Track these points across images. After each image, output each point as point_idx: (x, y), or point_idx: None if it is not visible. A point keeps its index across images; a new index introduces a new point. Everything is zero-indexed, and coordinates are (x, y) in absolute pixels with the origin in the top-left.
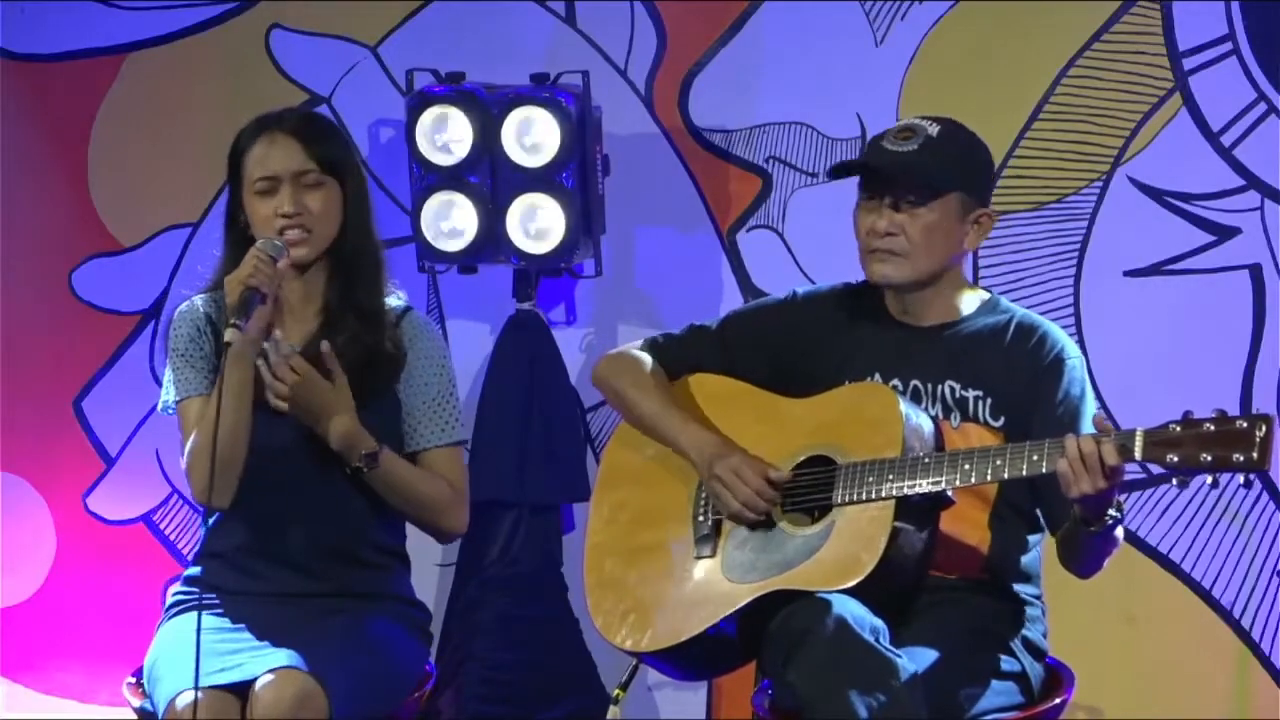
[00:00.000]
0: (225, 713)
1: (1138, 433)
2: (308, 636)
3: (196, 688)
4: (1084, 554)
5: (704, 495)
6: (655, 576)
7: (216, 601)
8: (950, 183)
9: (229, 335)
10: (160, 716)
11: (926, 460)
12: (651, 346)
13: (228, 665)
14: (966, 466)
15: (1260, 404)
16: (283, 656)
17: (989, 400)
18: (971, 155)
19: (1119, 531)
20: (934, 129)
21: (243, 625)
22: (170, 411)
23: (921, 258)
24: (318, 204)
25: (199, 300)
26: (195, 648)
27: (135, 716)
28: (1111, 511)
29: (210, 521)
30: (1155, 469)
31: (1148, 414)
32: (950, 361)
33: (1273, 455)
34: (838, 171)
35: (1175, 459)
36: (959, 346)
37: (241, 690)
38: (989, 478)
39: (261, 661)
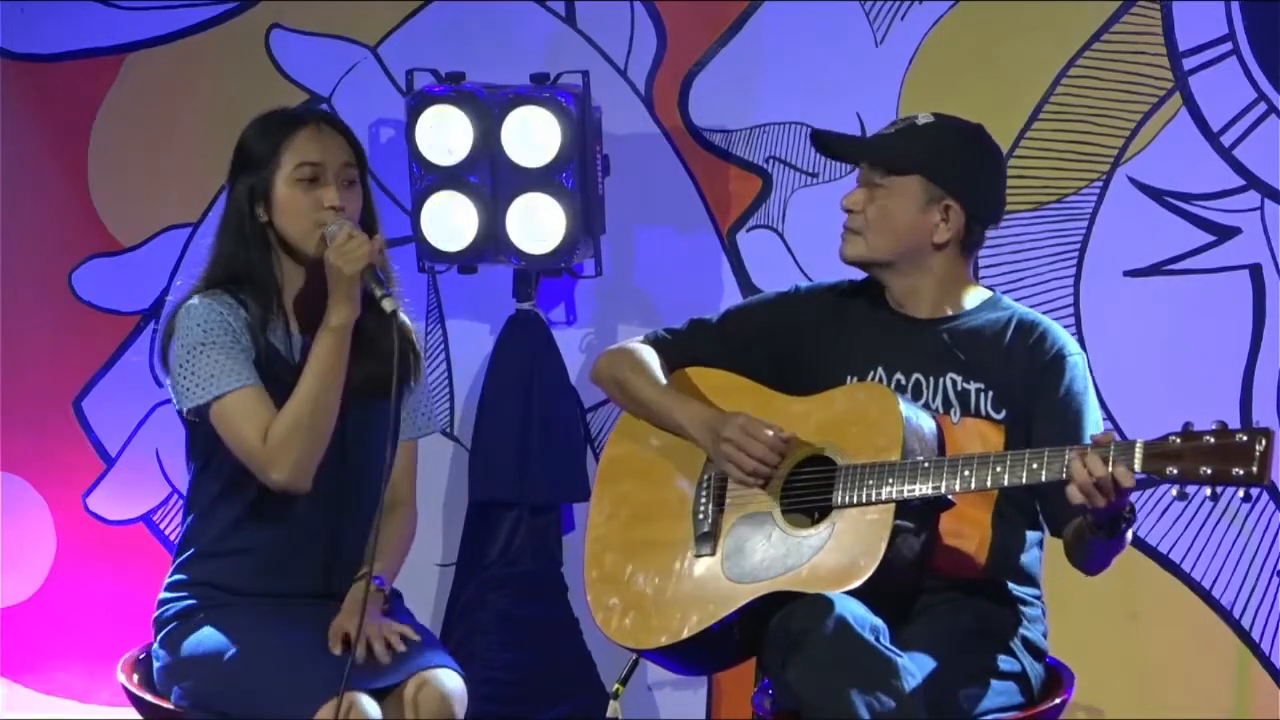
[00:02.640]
0: (382, 713)
1: (1137, 445)
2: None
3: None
4: (1094, 554)
5: (704, 492)
6: (655, 573)
7: (221, 599)
8: (909, 165)
9: (390, 304)
10: (314, 716)
11: (926, 464)
12: (653, 340)
13: (358, 670)
14: (966, 473)
15: (1260, 405)
16: (431, 656)
17: (990, 393)
18: (945, 144)
19: (1129, 532)
20: (924, 119)
21: (304, 626)
22: (197, 407)
23: (876, 236)
24: (352, 202)
25: (206, 298)
26: (349, 653)
27: (134, 715)
28: (1125, 514)
29: (210, 522)
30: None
31: (1147, 414)
32: (951, 354)
33: (1272, 469)
34: (816, 138)
35: (1175, 472)
36: (960, 340)
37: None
38: (988, 484)
39: (400, 664)
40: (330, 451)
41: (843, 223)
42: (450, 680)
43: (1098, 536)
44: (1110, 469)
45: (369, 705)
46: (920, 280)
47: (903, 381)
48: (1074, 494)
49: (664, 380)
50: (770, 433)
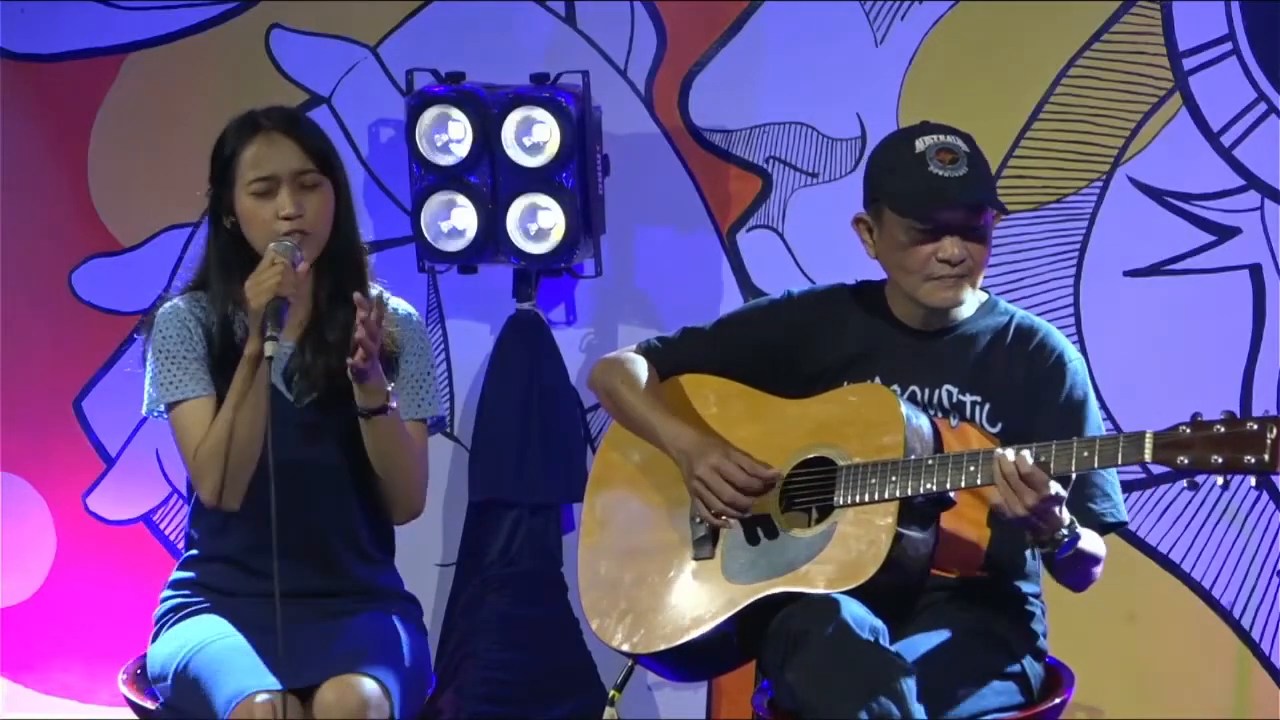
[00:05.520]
0: (299, 713)
1: (1147, 435)
2: (353, 639)
3: (284, 689)
4: (1059, 573)
5: None
6: (652, 578)
7: (204, 601)
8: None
9: (270, 349)
10: (225, 717)
11: (930, 461)
12: (646, 350)
13: (292, 667)
14: (971, 468)
15: (1260, 406)
16: (347, 660)
17: (987, 405)
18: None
19: (1092, 546)
20: (963, 144)
21: (269, 627)
22: (157, 414)
23: (981, 273)
24: (315, 205)
25: (181, 301)
26: (272, 646)
27: (134, 716)
28: (1062, 532)
29: (199, 524)
30: (1158, 470)
31: (1148, 414)
32: (949, 365)
33: None
34: (925, 209)
35: (1186, 461)
36: (958, 350)
37: (299, 692)
38: (995, 478)
39: (323, 665)
40: (308, 456)
41: (945, 272)
42: (367, 686)
43: (1044, 554)
44: (1030, 466)
45: (368, 685)
46: None
47: (899, 392)
48: (992, 495)
49: (653, 395)
50: (744, 476)
